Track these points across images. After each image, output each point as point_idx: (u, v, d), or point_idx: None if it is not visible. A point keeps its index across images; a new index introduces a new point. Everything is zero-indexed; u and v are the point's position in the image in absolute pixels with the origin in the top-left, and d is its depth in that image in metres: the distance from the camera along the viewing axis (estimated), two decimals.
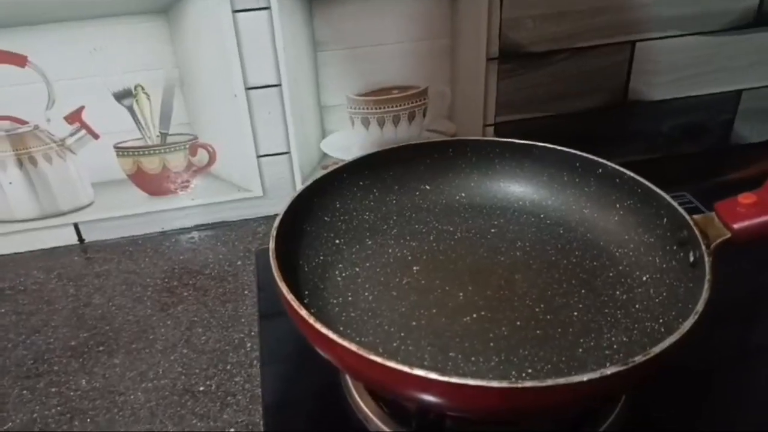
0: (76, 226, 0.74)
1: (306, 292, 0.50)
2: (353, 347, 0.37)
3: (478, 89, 0.76)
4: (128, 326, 0.63)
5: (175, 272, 0.70)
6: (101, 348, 0.61)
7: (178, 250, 0.74)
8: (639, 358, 0.37)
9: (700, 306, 0.40)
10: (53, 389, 0.57)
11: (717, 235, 0.47)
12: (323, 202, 0.57)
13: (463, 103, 0.77)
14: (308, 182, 0.55)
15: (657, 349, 0.37)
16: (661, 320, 0.47)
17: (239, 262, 0.71)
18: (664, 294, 0.49)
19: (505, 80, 0.76)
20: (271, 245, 0.46)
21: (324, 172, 0.57)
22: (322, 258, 0.55)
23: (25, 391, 0.56)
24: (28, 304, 0.67)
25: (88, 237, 0.75)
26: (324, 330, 0.39)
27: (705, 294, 0.41)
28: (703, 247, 0.45)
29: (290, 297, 0.41)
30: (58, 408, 0.55)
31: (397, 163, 0.61)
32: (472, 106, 0.77)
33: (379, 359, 0.37)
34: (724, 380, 0.52)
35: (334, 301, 0.52)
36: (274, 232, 0.48)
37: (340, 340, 0.38)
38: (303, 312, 0.40)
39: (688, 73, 0.82)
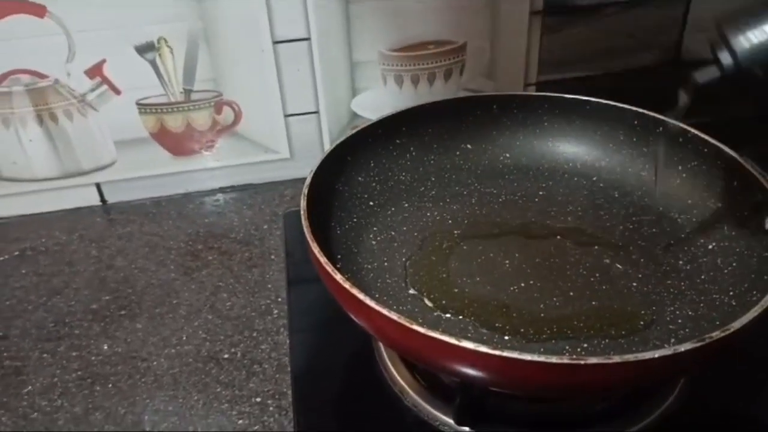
0: (98, 186, 0.72)
1: (339, 256, 0.47)
2: (394, 316, 0.34)
3: (520, 45, 0.72)
4: (151, 290, 0.62)
5: (200, 235, 0.68)
6: (123, 312, 0.59)
7: (202, 212, 0.72)
8: (717, 334, 0.32)
9: None
10: (74, 353, 0.55)
11: None
12: (357, 161, 0.54)
13: (504, 61, 0.73)
14: (341, 139, 0.51)
15: (737, 324, 0.33)
16: (731, 293, 0.43)
17: (265, 226, 0.69)
18: (734, 264, 0.45)
19: (549, 36, 0.72)
20: (303, 204, 0.43)
21: (358, 128, 0.54)
22: (355, 220, 0.52)
23: (45, 355, 0.55)
24: (50, 266, 0.65)
25: (110, 198, 0.73)
26: (361, 296, 0.35)
27: None
28: None
29: (323, 259, 0.37)
30: (79, 372, 0.53)
31: (436, 120, 0.57)
32: (513, 64, 0.73)
33: (422, 330, 0.33)
34: None
35: (369, 266, 0.48)
36: (305, 191, 0.44)
37: (379, 308, 0.34)
38: (338, 276, 0.37)
39: None
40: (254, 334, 0.56)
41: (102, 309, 0.60)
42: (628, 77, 0.77)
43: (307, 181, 0.45)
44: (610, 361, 0.31)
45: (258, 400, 0.50)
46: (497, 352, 0.32)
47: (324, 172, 0.48)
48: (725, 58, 0.42)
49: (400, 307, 0.45)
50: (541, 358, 0.31)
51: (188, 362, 0.54)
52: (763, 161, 0.47)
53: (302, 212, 0.42)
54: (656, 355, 0.31)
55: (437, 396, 0.44)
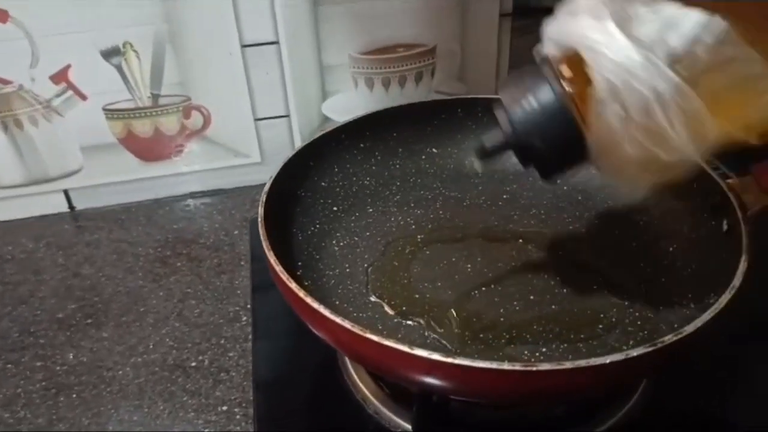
0: (66, 192, 0.71)
1: (299, 263, 0.47)
2: (347, 324, 0.34)
3: (490, 48, 0.72)
4: (118, 298, 0.61)
5: (169, 241, 0.68)
6: (90, 320, 0.59)
7: (172, 218, 0.71)
8: (669, 338, 0.32)
9: (737, 280, 0.36)
10: (38, 363, 0.55)
11: (755, 201, 0.42)
12: (320, 166, 0.53)
13: (475, 63, 0.73)
14: (303, 144, 0.51)
15: (690, 328, 0.33)
16: (690, 295, 0.43)
17: (236, 232, 0.69)
18: (694, 266, 0.45)
19: (519, 38, 0.72)
20: (260, 211, 0.42)
21: (320, 133, 0.53)
22: (318, 226, 0.51)
23: (9, 365, 0.54)
24: (15, 274, 0.65)
25: (78, 204, 0.72)
26: (315, 305, 0.35)
27: (742, 266, 0.37)
28: (739, 214, 0.41)
29: (279, 268, 0.37)
30: (43, 383, 0.53)
31: (401, 124, 0.57)
32: (485, 66, 0.73)
33: (375, 338, 0.33)
34: (755, 368, 0.47)
35: (330, 273, 0.48)
36: (263, 198, 0.44)
37: (332, 317, 0.34)
38: (292, 285, 0.36)
39: None
40: (222, 342, 0.55)
41: (68, 318, 0.59)
42: None
43: (266, 188, 0.45)
44: (563, 367, 0.31)
45: (224, 408, 0.49)
46: (450, 360, 0.31)
47: (284, 178, 0.48)
48: (504, 123, 0.37)
49: (361, 314, 0.44)
50: (494, 365, 0.31)
51: (154, 371, 0.53)
52: (736, 164, 0.47)
53: (260, 219, 0.41)
54: (608, 361, 0.31)
55: (399, 403, 0.44)
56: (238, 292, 0.60)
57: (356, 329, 0.33)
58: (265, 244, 0.39)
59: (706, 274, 0.43)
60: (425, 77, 0.72)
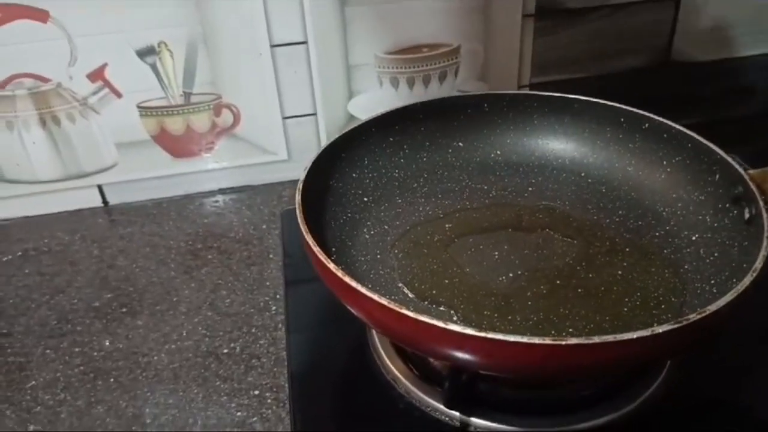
0: (100, 188, 0.73)
1: (333, 249, 0.48)
2: (384, 301, 0.35)
3: (512, 48, 0.73)
4: (152, 288, 0.62)
5: (199, 235, 0.69)
6: (125, 309, 0.60)
7: (202, 213, 0.73)
8: (693, 317, 0.34)
9: (759, 263, 0.37)
10: (76, 349, 0.56)
11: None
12: (351, 158, 0.55)
13: (497, 63, 0.74)
14: (335, 136, 0.53)
15: (713, 308, 0.34)
16: (712, 281, 0.44)
17: (264, 226, 0.70)
18: (716, 254, 0.46)
19: (541, 38, 0.73)
20: (298, 198, 0.44)
21: (352, 126, 0.55)
22: (350, 215, 0.53)
23: (48, 351, 0.56)
24: (52, 265, 0.66)
25: (112, 199, 0.74)
26: (353, 283, 0.36)
27: (764, 251, 0.38)
28: (761, 202, 0.42)
29: (317, 249, 0.39)
30: (81, 368, 0.54)
31: (428, 118, 0.58)
32: (506, 66, 0.74)
33: (411, 314, 0.34)
34: None
35: (363, 259, 0.50)
36: (300, 185, 0.45)
37: (370, 294, 0.36)
38: (331, 265, 0.38)
39: (736, 32, 0.78)
40: (253, 330, 0.57)
41: (104, 306, 0.60)
42: (620, 79, 0.78)
43: (302, 176, 0.47)
44: (591, 342, 0.32)
45: (256, 392, 0.51)
46: (482, 334, 0.33)
47: (319, 169, 0.49)
48: None
49: (393, 297, 0.46)
50: (524, 339, 0.32)
51: (188, 357, 0.54)
52: (756, 160, 0.48)
53: (297, 205, 0.43)
54: (635, 336, 0.33)
55: (428, 383, 0.45)
56: (267, 283, 0.62)
57: (393, 306, 0.35)
58: (303, 227, 0.41)
59: (728, 261, 0.44)
60: (449, 76, 0.73)
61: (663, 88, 0.80)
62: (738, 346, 0.47)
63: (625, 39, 0.76)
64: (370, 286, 0.46)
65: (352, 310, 0.39)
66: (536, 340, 0.33)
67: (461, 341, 0.34)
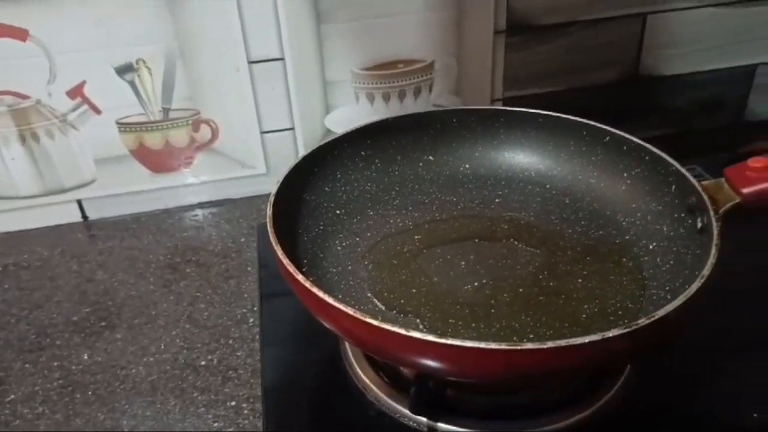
0: (79, 203, 0.74)
1: (305, 261, 0.50)
2: (350, 310, 0.37)
3: (485, 63, 0.75)
4: (130, 302, 0.63)
5: (178, 249, 0.70)
6: (103, 323, 0.61)
7: (181, 227, 0.74)
8: (643, 321, 0.35)
9: (706, 270, 0.39)
10: (55, 363, 0.57)
11: (726, 200, 0.45)
12: (324, 172, 0.56)
13: (470, 78, 0.75)
14: (308, 150, 0.54)
15: (661, 312, 0.36)
16: (667, 288, 0.45)
17: (242, 239, 0.71)
18: (672, 262, 0.48)
19: (513, 54, 0.75)
20: (269, 211, 0.45)
21: (325, 141, 0.56)
22: (322, 228, 0.54)
23: (27, 365, 0.57)
24: (32, 280, 0.67)
25: (91, 214, 0.75)
26: (321, 294, 0.38)
27: (712, 258, 0.40)
28: (712, 212, 0.44)
29: (286, 261, 0.40)
30: (60, 381, 0.55)
31: (399, 133, 0.60)
32: (480, 81, 0.76)
33: (375, 322, 0.36)
34: (731, 359, 0.50)
35: (334, 270, 0.51)
36: (271, 198, 0.47)
37: (336, 303, 0.37)
38: (299, 276, 0.39)
39: (701, 46, 0.80)
40: (230, 342, 0.57)
41: (82, 321, 0.61)
42: (590, 92, 0.79)
43: (274, 190, 0.48)
44: (545, 346, 0.34)
45: (233, 403, 0.51)
46: (441, 340, 0.34)
47: (291, 182, 0.50)
48: None
49: (362, 307, 0.47)
50: (482, 345, 0.34)
51: (166, 369, 0.55)
52: (716, 170, 0.50)
53: (268, 218, 0.44)
54: (587, 341, 0.34)
55: (398, 390, 0.46)
56: (245, 295, 0.62)
57: (358, 315, 0.36)
58: (272, 239, 0.42)
59: (682, 269, 0.46)
60: (423, 91, 0.75)
61: (632, 101, 0.82)
62: (696, 353, 0.49)
63: (595, 54, 0.77)
64: (340, 296, 0.48)
65: (320, 320, 0.40)
66: (493, 346, 0.34)
67: (423, 348, 0.35)
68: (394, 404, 0.46)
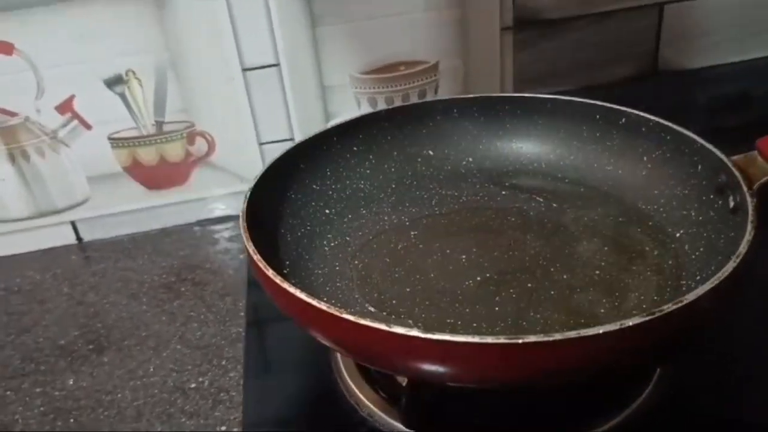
0: (73, 224, 0.72)
1: (287, 263, 0.45)
2: (322, 306, 0.32)
3: (493, 62, 0.71)
4: (121, 323, 0.60)
5: (174, 268, 0.67)
6: (91, 346, 0.58)
7: (178, 246, 0.71)
8: (668, 307, 0.30)
9: (742, 248, 0.33)
10: (38, 389, 0.54)
11: (761, 174, 0.40)
12: (311, 169, 0.52)
13: (478, 78, 0.72)
14: (291, 145, 0.50)
15: (691, 296, 0.30)
16: (698, 277, 0.40)
17: (241, 256, 0.68)
18: (702, 249, 0.42)
19: (522, 51, 0.72)
20: (243, 207, 0.41)
21: (309, 135, 0.52)
22: (309, 228, 0.50)
23: (9, 392, 0.54)
24: (21, 305, 0.64)
25: (86, 236, 0.72)
26: (291, 289, 0.33)
27: (748, 235, 0.34)
28: (745, 189, 0.39)
29: (257, 257, 0.36)
30: (42, 408, 0.52)
31: (395, 126, 0.56)
32: (488, 81, 0.72)
33: (351, 317, 0.31)
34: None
35: (319, 272, 0.47)
36: (247, 194, 0.43)
37: (308, 299, 0.32)
38: (269, 272, 0.35)
39: (723, 37, 0.76)
40: (223, 362, 0.54)
41: (69, 344, 0.58)
42: (606, 90, 0.76)
43: (250, 186, 0.44)
44: (551, 339, 0.29)
45: (223, 428, 0.48)
46: (428, 336, 0.29)
47: (271, 179, 0.47)
48: None
49: (349, 309, 0.42)
50: (475, 339, 0.29)
51: (153, 393, 0.52)
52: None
53: (241, 215, 0.40)
54: (601, 332, 0.29)
55: (392, 404, 0.42)
56: (241, 313, 0.59)
57: (332, 310, 0.32)
58: (244, 236, 0.38)
59: (714, 255, 0.40)
60: (429, 94, 0.72)
61: (652, 97, 0.78)
62: (733, 356, 0.43)
63: (609, 48, 0.74)
64: (325, 299, 0.43)
65: (295, 321, 0.36)
66: (489, 340, 0.29)
67: (408, 346, 0.30)
68: (389, 419, 0.41)
